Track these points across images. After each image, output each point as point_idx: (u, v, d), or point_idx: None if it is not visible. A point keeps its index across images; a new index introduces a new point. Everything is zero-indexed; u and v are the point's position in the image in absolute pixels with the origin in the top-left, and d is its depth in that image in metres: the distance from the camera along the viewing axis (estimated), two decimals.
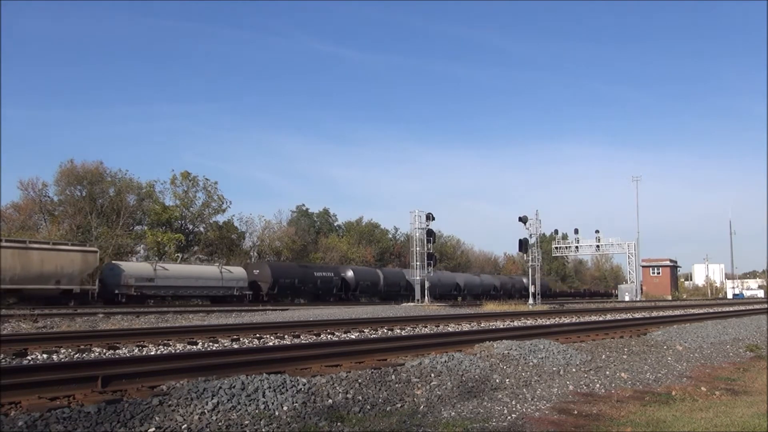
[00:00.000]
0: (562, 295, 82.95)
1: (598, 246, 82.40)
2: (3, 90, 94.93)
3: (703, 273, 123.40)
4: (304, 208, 76.13)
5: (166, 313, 24.33)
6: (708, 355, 12.94)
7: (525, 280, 60.97)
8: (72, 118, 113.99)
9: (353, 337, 14.43)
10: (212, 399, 6.13)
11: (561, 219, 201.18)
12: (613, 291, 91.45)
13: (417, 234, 43.47)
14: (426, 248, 42.96)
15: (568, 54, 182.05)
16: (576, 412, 6.89)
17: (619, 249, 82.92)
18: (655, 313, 29.24)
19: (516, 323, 20.35)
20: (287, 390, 6.66)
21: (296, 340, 13.43)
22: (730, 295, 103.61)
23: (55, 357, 9.99)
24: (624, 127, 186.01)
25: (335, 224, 78.57)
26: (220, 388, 6.37)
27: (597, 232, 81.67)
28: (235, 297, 39.90)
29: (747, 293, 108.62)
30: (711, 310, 34.55)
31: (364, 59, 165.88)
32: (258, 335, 14.04)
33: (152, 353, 10.75)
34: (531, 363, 9.97)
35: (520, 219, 41.92)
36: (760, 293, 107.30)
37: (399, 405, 7.02)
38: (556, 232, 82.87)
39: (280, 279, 42.93)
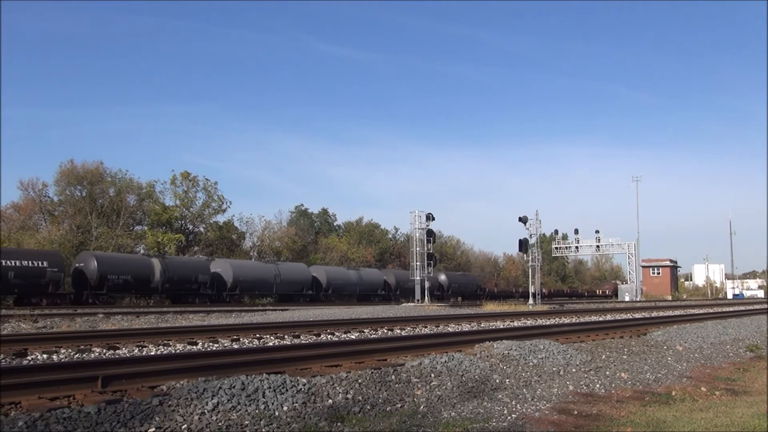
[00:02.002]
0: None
1: (598, 246, 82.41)
2: (3, 90, 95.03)
3: (703, 273, 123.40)
4: (303, 208, 76.17)
5: (166, 313, 24.33)
6: (708, 356, 12.94)
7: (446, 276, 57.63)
8: (72, 118, 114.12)
9: (353, 337, 14.43)
10: (212, 399, 6.13)
11: (561, 219, 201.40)
12: (604, 291, 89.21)
13: (417, 234, 43.49)
14: (426, 248, 42.98)
15: (568, 53, 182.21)
16: (576, 413, 6.89)
17: (619, 249, 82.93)
18: (655, 314, 29.24)
19: (516, 323, 20.35)
20: (287, 390, 6.66)
21: (296, 340, 13.43)
22: (730, 296, 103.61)
23: (55, 357, 9.99)
24: (624, 127, 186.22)
25: (334, 224, 78.58)
26: (220, 388, 6.37)
27: (597, 232, 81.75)
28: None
29: (747, 293, 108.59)
30: (711, 311, 34.55)
31: (364, 59, 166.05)
32: (258, 335, 14.04)
33: (152, 353, 10.75)
34: (531, 363, 9.97)
35: (520, 219, 41.93)
36: (760, 293, 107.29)
37: (399, 405, 7.01)
38: (556, 232, 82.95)
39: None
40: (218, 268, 40.41)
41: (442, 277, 57.04)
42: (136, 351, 11.14)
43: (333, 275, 48.13)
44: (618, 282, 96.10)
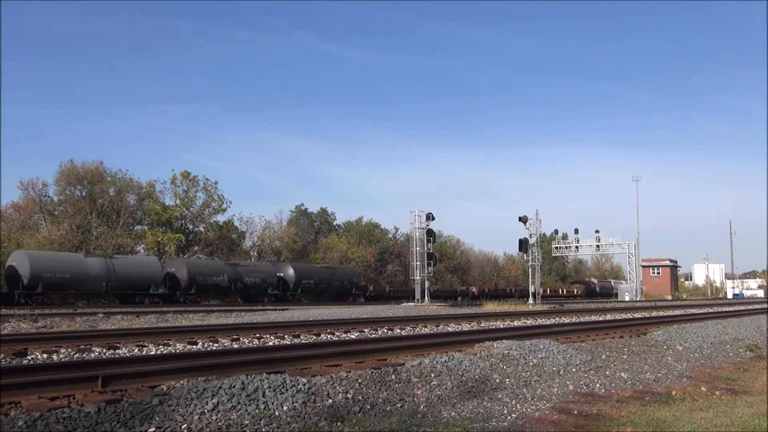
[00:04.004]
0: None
1: (598, 246, 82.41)
2: (3, 90, 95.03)
3: (703, 273, 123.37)
4: (303, 208, 76.17)
5: (166, 313, 24.34)
6: (708, 355, 12.94)
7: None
8: (72, 118, 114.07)
9: (353, 337, 14.43)
10: (212, 399, 6.13)
11: (561, 219, 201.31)
12: (572, 290, 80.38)
13: (417, 234, 43.49)
14: (426, 248, 43.00)
15: (569, 53, 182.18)
16: (576, 412, 6.89)
17: (619, 249, 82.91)
18: (655, 313, 29.23)
19: (516, 323, 20.35)
20: (287, 390, 6.66)
21: (296, 340, 13.43)
22: (730, 295, 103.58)
23: (55, 357, 9.99)
24: (624, 127, 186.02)
25: (334, 224, 78.57)
26: (220, 388, 6.37)
27: (597, 232, 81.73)
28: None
29: (747, 293, 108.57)
30: (711, 310, 34.55)
31: (364, 58, 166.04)
32: (258, 335, 14.05)
33: (152, 353, 10.75)
34: (531, 363, 9.97)
35: (520, 219, 41.93)
36: (760, 293, 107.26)
37: (399, 405, 7.01)
38: (556, 232, 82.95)
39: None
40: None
41: (289, 272, 45.28)
42: (136, 351, 11.14)
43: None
44: (593, 280, 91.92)
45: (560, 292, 78.17)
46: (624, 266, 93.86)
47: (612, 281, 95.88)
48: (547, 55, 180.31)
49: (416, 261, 42.69)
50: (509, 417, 6.64)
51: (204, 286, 39.33)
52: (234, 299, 42.21)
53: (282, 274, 44.50)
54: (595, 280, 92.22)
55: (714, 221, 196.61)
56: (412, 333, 15.78)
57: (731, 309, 37.31)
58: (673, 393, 8.24)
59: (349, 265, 58.84)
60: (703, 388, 8.71)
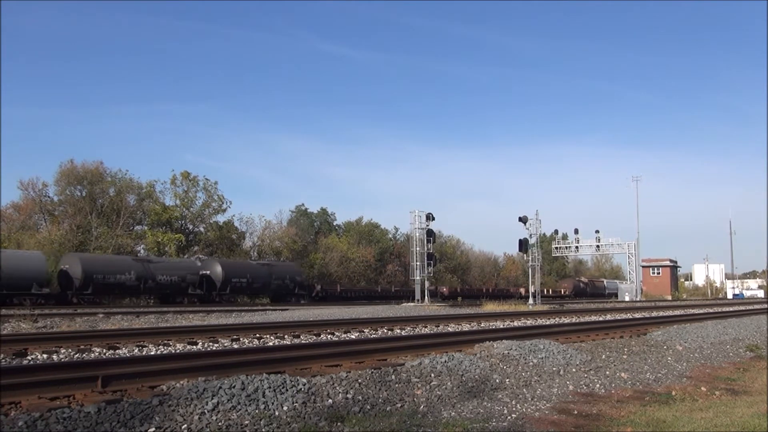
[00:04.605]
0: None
1: (598, 246, 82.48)
2: (3, 90, 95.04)
3: (703, 273, 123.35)
4: (303, 208, 76.18)
5: (166, 313, 24.33)
6: (708, 355, 12.94)
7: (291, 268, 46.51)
8: (72, 118, 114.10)
9: (353, 337, 14.43)
10: (212, 399, 6.13)
11: (561, 219, 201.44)
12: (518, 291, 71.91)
13: (417, 234, 43.52)
14: (426, 248, 43.01)
15: (569, 53, 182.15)
16: (576, 412, 6.89)
17: (619, 249, 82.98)
18: (655, 313, 29.23)
19: (516, 323, 20.35)
20: (287, 390, 6.66)
21: (296, 340, 13.43)
22: (730, 295, 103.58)
23: (55, 357, 9.98)
24: (624, 127, 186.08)
25: (334, 224, 78.59)
26: (220, 388, 6.37)
27: (597, 232, 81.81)
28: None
29: (747, 293, 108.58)
30: (711, 310, 34.55)
31: (364, 58, 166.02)
32: (258, 335, 14.05)
33: (152, 353, 10.75)
34: (531, 363, 9.97)
35: (520, 219, 41.96)
36: (760, 293, 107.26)
37: (399, 405, 7.02)
38: (556, 232, 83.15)
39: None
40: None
41: (216, 269, 40.69)
42: (136, 351, 11.14)
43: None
44: (583, 278, 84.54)
45: (545, 291, 73.21)
46: (624, 266, 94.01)
47: (605, 280, 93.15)
48: (547, 55, 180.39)
49: (416, 261, 42.71)
50: (509, 417, 6.64)
51: (104, 286, 34.80)
52: (145, 300, 38.68)
53: (208, 272, 40.22)
54: (585, 279, 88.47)
55: (714, 221, 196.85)
56: (412, 333, 15.78)
57: (731, 309, 37.31)
58: (673, 393, 8.24)
59: (289, 263, 52.27)
60: (703, 388, 8.71)
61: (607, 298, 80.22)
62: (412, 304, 40.04)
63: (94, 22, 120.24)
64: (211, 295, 39.58)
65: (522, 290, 66.39)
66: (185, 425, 5.63)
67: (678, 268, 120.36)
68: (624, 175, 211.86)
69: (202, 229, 56.43)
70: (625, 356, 11.89)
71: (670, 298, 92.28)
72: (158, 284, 37.63)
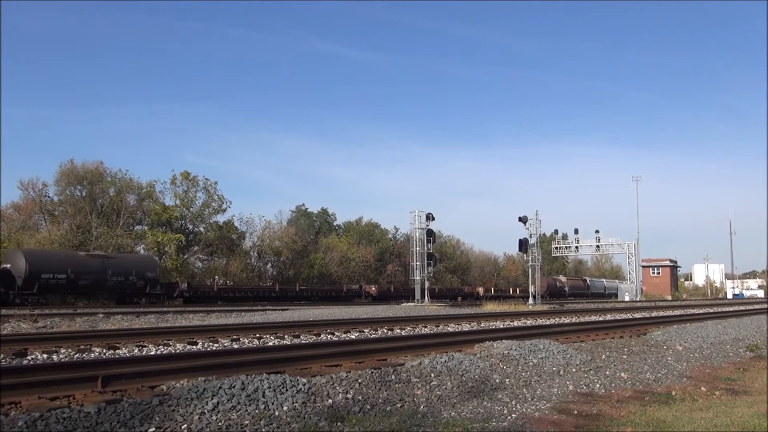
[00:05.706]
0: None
1: (598, 246, 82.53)
2: (3, 90, 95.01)
3: (703, 273, 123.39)
4: (303, 208, 76.17)
5: (166, 313, 24.33)
6: (708, 355, 12.93)
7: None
8: (72, 118, 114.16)
9: (353, 337, 14.42)
10: (212, 399, 6.13)
11: (561, 219, 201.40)
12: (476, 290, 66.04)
13: (417, 234, 43.53)
14: (426, 248, 43.01)
15: (569, 53, 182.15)
16: (576, 412, 6.89)
17: (619, 249, 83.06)
18: (655, 313, 29.22)
19: (516, 323, 20.34)
20: (287, 390, 6.66)
21: (296, 340, 13.43)
22: (730, 295, 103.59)
23: (55, 357, 9.98)
24: (624, 127, 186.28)
25: (334, 224, 78.59)
26: (220, 388, 6.37)
27: (597, 232, 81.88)
28: None
29: (747, 293, 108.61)
30: (711, 310, 34.54)
31: (364, 58, 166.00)
32: (258, 335, 14.04)
33: (152, 353, 10.75)
34: (531, 363, 9.97)
35: (520, 219, 41.98)
36: (760, 293, 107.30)
37: (399, 405, 7.01)
38: (556, 232, 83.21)
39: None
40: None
41: (19, 262, 31.40)
42: (136, 351, 11.14)
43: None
44: (560, 277, 77.70)
45: (510, 292, 68.93)
46: (624, 266, 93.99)
47: (588, 279, 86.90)
48: (547, 55, 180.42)
49: (416, 261, 42.70)
50: (509, 417, 6.64)
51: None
52: None
53: (8, 266, 31.04)
54: (563, 278, 78.92)
55: (714, 221, 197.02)
56: (412, 333, 15.77)
57: (731, 309, 37.30)
58: (673, 393, 8.23)
59: (138, 254, 45.14)
60: (703, 388, 8.70)
61: (591, 298, 74.40)
62: (411, 304, 40.05)
63: (94, 22, 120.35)
64: (8, 295, 30.07)
65: (480, 290, 63.43)
66: (185, 425, 5.63)
67: (678, 268, 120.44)
68: (624, 175, 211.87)
69: (202, 229, 56.45)
70: (625, 356, 11.88)
71: (670, 298, 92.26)
72: None
